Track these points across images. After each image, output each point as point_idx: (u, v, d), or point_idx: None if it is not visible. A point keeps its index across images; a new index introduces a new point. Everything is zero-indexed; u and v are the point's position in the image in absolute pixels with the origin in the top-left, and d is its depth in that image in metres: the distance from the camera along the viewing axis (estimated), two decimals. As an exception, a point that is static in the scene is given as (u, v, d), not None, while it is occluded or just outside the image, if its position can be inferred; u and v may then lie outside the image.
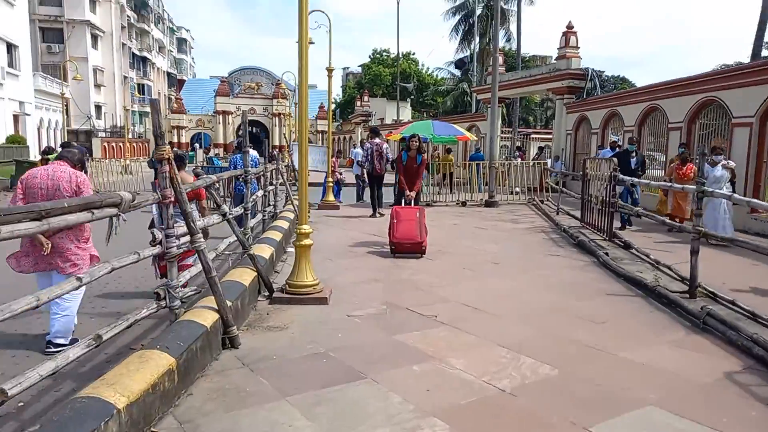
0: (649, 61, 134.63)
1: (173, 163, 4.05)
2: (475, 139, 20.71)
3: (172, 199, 4.06)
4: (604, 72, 19.84)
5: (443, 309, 5.39)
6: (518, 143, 26.48)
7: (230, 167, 10.63)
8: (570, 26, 19.59)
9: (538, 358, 4.15)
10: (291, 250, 7.76)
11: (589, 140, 19.07)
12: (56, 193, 4.36)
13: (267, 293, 5.76)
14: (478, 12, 38.26)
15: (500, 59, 24.81)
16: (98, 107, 49.54)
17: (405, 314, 5.28)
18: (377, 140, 12.52)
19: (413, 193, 9.02)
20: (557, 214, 13.05)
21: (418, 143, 9.41)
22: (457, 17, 40.03)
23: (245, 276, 5.40)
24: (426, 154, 13.30)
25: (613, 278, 6.78)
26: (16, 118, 29.93)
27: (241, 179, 8.30)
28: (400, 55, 63.83)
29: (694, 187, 5.96)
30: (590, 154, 18.99)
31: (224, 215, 5.55)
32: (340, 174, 16.16)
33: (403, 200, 9.09)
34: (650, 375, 3.94)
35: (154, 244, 4.03)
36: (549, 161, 19.98)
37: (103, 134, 46.37)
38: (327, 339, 4.52)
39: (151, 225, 5.12)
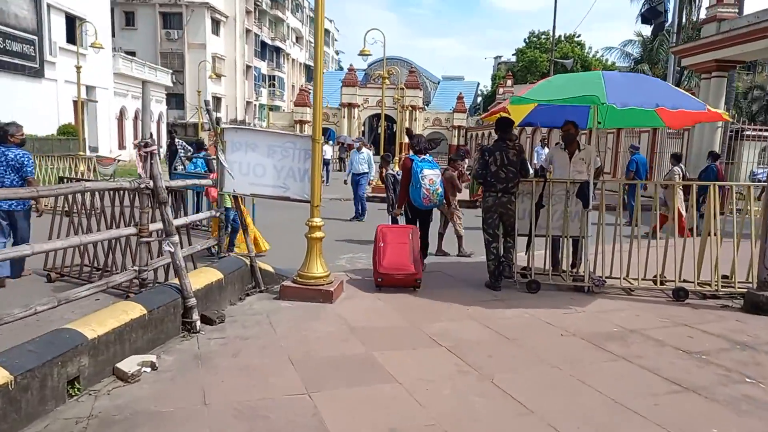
0: None
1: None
2: (729, 120, 9.10)
3: None
4: None
5: None
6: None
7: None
8: None
9: None
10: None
11: None
12: None
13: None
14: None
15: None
16: (217, 99, 45.77)
17: None
18: None
19: (399, 210, 6.63)
20: None
21: None
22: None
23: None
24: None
25: None
26: (78, 105, 25.41)
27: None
28: (563, 38, 52.65)
29: None
30: None
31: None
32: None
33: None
34: None
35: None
36: None
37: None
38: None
39: None
